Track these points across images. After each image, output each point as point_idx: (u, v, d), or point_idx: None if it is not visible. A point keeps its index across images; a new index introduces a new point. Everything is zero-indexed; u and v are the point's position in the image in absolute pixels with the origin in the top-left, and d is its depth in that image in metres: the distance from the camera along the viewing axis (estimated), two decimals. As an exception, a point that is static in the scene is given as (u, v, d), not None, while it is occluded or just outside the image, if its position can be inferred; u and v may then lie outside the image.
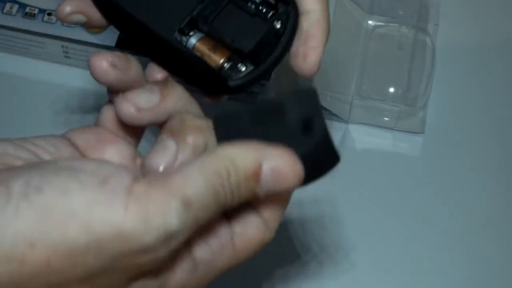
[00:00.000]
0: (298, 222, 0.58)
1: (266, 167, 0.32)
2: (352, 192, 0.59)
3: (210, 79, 0.39)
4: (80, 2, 0.40)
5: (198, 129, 0.35)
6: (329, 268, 0.56)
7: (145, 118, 0.36)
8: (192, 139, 0.34)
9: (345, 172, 0.60)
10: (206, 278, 0.35)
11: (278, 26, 0.40)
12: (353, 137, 0.61)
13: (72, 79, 0.64)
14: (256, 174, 0.32)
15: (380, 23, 0.64)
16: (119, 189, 0.30)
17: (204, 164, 0.31)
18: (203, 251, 0.34)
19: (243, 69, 0.39)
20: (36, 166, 0.31)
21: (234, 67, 0.39)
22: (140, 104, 0.36)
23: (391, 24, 0.64)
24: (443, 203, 0.58)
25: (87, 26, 0.41)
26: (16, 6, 0.63)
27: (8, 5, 0.63)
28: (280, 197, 0.36)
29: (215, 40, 0.39)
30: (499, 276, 0.56)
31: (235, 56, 0.39)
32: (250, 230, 0.36)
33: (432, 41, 0.63)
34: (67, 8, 0.39)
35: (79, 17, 0.40)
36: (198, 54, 0.39)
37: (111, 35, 0.61)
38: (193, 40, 0.39)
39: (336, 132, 0.61)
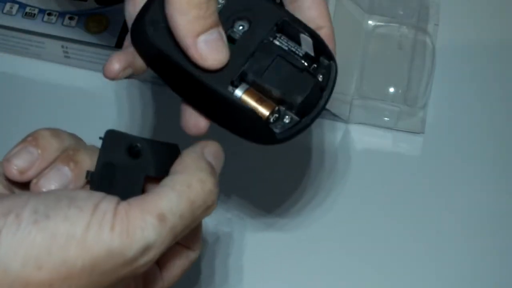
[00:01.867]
0: (298, 222, 0.58)
1: (209, 157, 0.40)
2: (352, 192, 0.59)
3: (260, 131, 0.41)
4: (126, 56, 0.41)
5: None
6: (327, 268, 0.56)
7: (30, 176, 0.39)
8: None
9: (345, 172, 0.60)
10: None
11: (321, 79, 0.42)
12: (353, 137, 0.61)
13: (72, 79, 0.64)
14: (211, 166, 0.39)
15: (380, 23, 0.64)
16: (108, 211, 0.34)
17: (175, 182, 0.36)
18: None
19: (288, 120, 0.41)
20: (38, 196, 0.35)
21: (279, 119, 0.41)
22: (22, 166, 0.38)
23: (391, 24, 0.64)
24: (443, 203, 0.58)
25: (133, 75, 0.42)
26: (16, 6, 0.63)
27: (8, 5, 0.63)
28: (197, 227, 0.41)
29: (260, 92, 0.41)
30: (499, 276, 0.56)
31: (280, 108, 0.41)
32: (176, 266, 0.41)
33: (432, 41, 0.63)
34: (116, 66, 0.40)
35: (128, 71, 0.41)
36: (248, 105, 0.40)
37: (111, 35, 0.62)
38: (238, 92, 0.40)
39: (336, 132, 0.61)
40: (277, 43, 0.41)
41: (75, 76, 0.64)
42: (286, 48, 0.41)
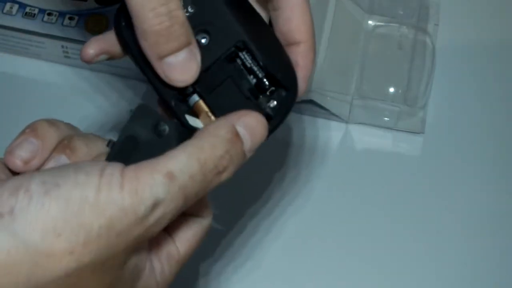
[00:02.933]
0: (297, 222, 0.58)
1: (240, 128, 0.38)
2: (352, 192, 0.59)
3: None
4: (101, 42, 0.43)
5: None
6: (327, 268, 0.56)
7: (34, 165, 0.39)
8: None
9: (345, 172, 0.60)
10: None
11: (273, 104, 0.41)
12: (353, 137, 0.61)
13: (72, 79, 0.64)
14: (236, 134, 0.38)
15: (380, 23, 0.64)
16: (115, 173, 0.34)
17: (186, 145, 0.36)
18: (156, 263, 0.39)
19: None
20: (42, 170, 0.36)
21: None
22: (25, 156, 0.39)
23: (391, 24, 0.64)
24: (443, 203, 0.58)
25: (109, 60, 0.43)
26: (16, 6, 0.63)
27: (8, 5, 0.63)
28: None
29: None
30: (499, 276, 0.56)
31: None
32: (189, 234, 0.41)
33: (432, 41, 0.63)
34: (91, 51, 0.42)
35: (103, 57, 0.43)
36: (190, 120, 0.41)
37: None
38: (195, 97, 0.41)
39: (336, 132, 0.61)
40: (242, 57, 0.41)
41: (75, 76, 0.64)
42: (249, 65, 0.41)
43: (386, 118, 0.61)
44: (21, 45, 0.64)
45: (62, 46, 0.62)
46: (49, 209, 0.33)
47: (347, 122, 0.62)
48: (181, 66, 0.39)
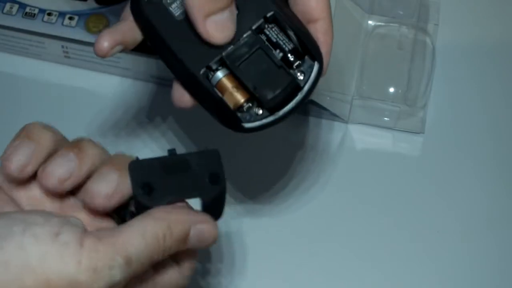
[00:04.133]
0: (297, 222, 0.58)
1: (193, 231, 0.39)
2: (352, 192, 0.59)
3: (227, 117, 0.42)
4: (114, 34, 0.42)
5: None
6: (328, 268, 0.56)
7: (67, 187, 0.39)
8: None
9: (345, 172, 0.60)
10: None
11: (301, 77, 0.42)
12: (353, 137, 0.61)
13: (72, 79, 0.64)
14: (186, 238, 0.39)
15: (380, 23, 0.64)
16: (71, 242, 0.33)
17: (145, 228, 0.37)
18: None
19: (260, 112, 0.41)
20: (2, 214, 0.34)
21: (251, 109, 0.41)
22: (61, 175, 0.39)
23: (391, 24, 0.64)
24: (443, 203, 0.58)
25: (124, 51, 0.43)
26: (16, 6, 0.63)
27: (8, 5, 0.63)
28: (195, 251, 0.42)
29: (240, 80, 0.41)
30: (500, 276, 0.56)
31: (255, 99, 0.41)
32: (167, 279, 0.40)
33: (432, 41, 0.63)
34: (105, 44, 0.42)
35: (118, 48, 0.42)
36: (219, 93, 0.41)
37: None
38: (219, 75, 0.41)
39: (336, 132, 0.61)
40: (267, 32, 0.41)
41: (75, 76, 0.64)
42: (274, 40, 0.41)
43: (386, 118, 0.61)
44: (21, 45, 0.64)
45: (62, 46, 0.62)
46: None
47: (347, 122, 0.62)
48: (224, 24, 0.40)
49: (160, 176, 0.40)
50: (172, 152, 0.41)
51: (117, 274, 0.34)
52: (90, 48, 0.62)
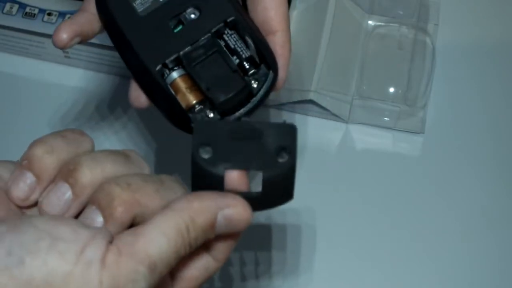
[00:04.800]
0: (297, 222, 0.58)
1: (220, 217, 0.36)
2: (352, 192, 0.59)
3: (177, 116, 0.41)
4: (72, 26, 0.42)
5: (127, 203, 0.36)
6: (328, 268, 0.56)
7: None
8: (119, 215, 0.35)
9: (345, 172, 0.60)
10: None
11: (255, 85, 0.42)
12: (353, 137, 0.61)
13: (72, 79, 0.64)
14: (212, 226, 0.36)
15: (380, 23, 0.64)
16: (94, 260, 0.32)
17: (166, 225, 0.34)
18: None
19: (211, 115, 0.41)
20: (14, 230, 0.32)
21: (202, 111, 0.41)
22: (59, 211, 0.36)
23: (391, 24, 0.64)
24: (443, 203, 0.58)
25: (82, 42, 0.43)
26: (16, 6, 0.63)
27: (8, 5, 0.63)
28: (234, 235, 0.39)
29: (194, 81, 0.41)
30: (499, 276, 0.56)
31: (207, 101, 0.41)
32: (198, 268, 0.38)
33: (432, 41, 0.63)
34: (64, 36, 0.42)
35: (76, 40, 0.43)
36: (173, 91, 0.41)
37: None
38: (174, 75, 0.41)
39: (336, 132, 0.61)
40: (226, 38, 0.42)
41: (75, 76, 0.64)
42: (232, 46, 0.42)
43: (386, 118, 0.61)
44: (21, 45, 0.64)
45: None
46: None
47: (347, 122, 0.62)
48: None
49: (225, 140, 0.38)
50: (244, 119, 0.40)
51: (142, 284, 0.33)
52: (90, 48, 0.62)
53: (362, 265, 0.56)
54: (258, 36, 0.42)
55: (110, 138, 0.60)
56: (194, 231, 0.35)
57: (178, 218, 0.35)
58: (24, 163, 0.37)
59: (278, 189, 0.39)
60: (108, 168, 0.37)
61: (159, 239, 0.34)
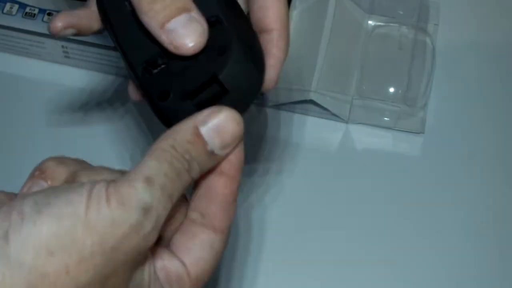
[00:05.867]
0: (296, 222, 0.58)
1: (205, 129, 0.37)
2: (352, 192, 0.59)
3: (158, 112, 0.41)
4: (70, 17, 0.43)
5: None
6: (329, 269, 0.56)
7: None
8: None
9: (345, 172, 0.60)
10: None
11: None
12: (353, 137, 0.61)
13: (72, 79, 0.64)
14: (197, 135, 0.37)
15: (380, 23, 0.64)
16: (101, 193, 0.34)
17: (151, 152, 0.36)
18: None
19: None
20: (34, 192, 0.35)
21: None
22: None
23: (391, 24, 0.64)
24: (443, 203, 0.58)
25: (77, 35, 0.44)
26: (16, 6, 0.63)
27: (8, 5, 0.63)
28: (225, 201, 0.39)
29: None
30: (499, 276, 0.56)
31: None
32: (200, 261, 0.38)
33: (432, 41, 0.63)
34: (59, 24, 0.43)
35: (70, 31, 0.43)
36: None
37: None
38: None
39: (336, 132, 0.61)
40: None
41: (75, 76, 0.64)
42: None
43: (386, 118, 0.61)
44: (21, 45, 0.64)
45: (62, 46, 0.62)
46: (41, 227, 0.32)
47: (347, 122, 0.62)
48: (185, 30, 0.39)
49: (172, 76, 0.39)
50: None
51: (145, 196, 0.34)
52: (90, 48, 0.62)
53: (362, 265, 0.56)
54: (244, 34, 0.41)
55: (110, 138, 0.60)
56: (180, 146, 0.36)
57: (161, 144, 0.37)
58: (37, 174, 0.39)
59: (241, 78, 0.39)
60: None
61: (147, 161, 0.36)
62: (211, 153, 0.37)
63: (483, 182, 0.59)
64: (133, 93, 0.43)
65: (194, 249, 0.38)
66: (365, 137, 0.61)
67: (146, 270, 0.36)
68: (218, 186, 0.39)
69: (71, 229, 0.33)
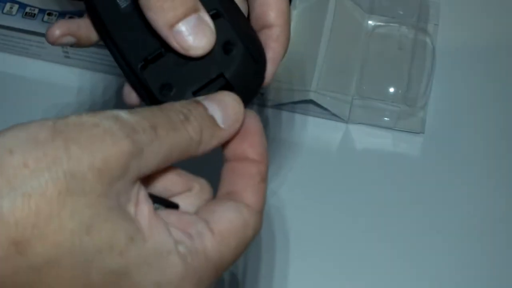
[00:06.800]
0: (296, 222, 0.58)
1: (206, 100, 0.36)
2: (352, 192, 0.59)
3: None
4: (68, 24, 0.42)
5: None
6: (330, 269, 0.56)
7: None
8: None
9: (345, 172, 0.60)
10: None
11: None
12: (353, 137, 0.61)
13: (72, 79, 0.64)
14: (196, 102, 0.36)
15: (380, 23, 0.64)
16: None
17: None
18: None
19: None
20: None
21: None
22: None
23: (391, 24, 0.64)
24: (443, 203, 0.58)
25: (76, 46, 0.43)
26: (16, 6, 0.63)
27: (8, 5, 0.63)
28: (257, 178, 0.37)
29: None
30: (499, 276, 0.56)
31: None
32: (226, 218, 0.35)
33: (432, 41, 0.63)
34: (57, 32, 0.42)
35: (69, 39, 0.43)
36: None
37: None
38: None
39: (336, 132, 0.61)
40: None
41: (75, 76, 0.64)
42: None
43: (386, 118, 0.61)
44: (21, 45, 0.64)
45: (62, 46, 0.62)
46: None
47: (347, 122, 0.62)
48: (194, 32, 0.38)
49: (174, 71, 0.39)
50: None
51: (120, 112, 0.36)
52: (91, 48, 0.62)
53: (362, 265, 0.56)
54: (243, 29, 0.41)
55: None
56: (178, 104, 0.36)
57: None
58: None
59: (247, 76, 0.39)
60: None
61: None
62: (214, 120, 0.36)
63: (483, 182, 0.59)
64: (129, 96, 0.42)
65: (218, 210, 0.35)
66: (365, 137, 0.61)
67: (134, 188, 0.34)
68: (243, 166, 0.37)
69: (36, 131, 0.34)
